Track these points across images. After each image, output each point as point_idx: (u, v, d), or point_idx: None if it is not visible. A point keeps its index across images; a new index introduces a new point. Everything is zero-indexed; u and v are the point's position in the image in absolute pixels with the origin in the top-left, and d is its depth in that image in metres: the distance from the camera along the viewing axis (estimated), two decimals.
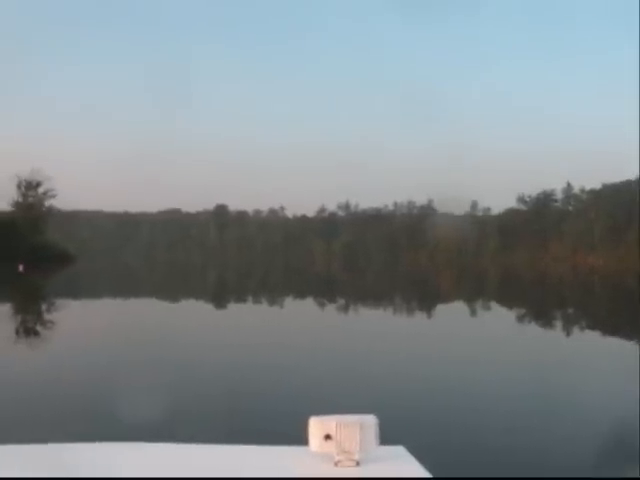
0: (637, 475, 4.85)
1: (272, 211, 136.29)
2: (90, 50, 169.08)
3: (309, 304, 26.62)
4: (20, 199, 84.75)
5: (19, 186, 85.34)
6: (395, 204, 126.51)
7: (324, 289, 39.60)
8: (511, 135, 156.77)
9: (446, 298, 31.46)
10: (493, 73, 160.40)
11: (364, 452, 1.59)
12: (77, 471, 1.57)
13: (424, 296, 33.44)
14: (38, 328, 17.17)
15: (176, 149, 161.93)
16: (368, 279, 53.95)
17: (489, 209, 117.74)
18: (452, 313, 22.64)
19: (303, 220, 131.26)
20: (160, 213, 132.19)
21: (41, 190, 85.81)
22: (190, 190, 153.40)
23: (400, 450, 1.76)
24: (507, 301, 28.88)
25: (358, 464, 1.59)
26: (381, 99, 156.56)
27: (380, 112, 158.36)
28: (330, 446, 1.58)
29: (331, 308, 24.46)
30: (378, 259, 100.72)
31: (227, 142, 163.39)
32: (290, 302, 28.08)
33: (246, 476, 1.58)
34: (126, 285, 44.18)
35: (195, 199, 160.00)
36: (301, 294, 32.93)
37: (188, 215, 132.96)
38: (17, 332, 15.87)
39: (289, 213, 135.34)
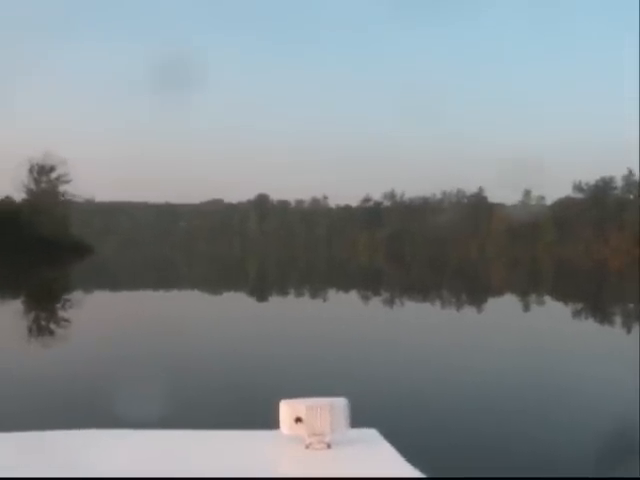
0: (637, 475, 4.87)
1: (314, 201, 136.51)
2: (110, 36, 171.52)
3: (353, 297, 26.69)
4: (32, 186, 77.65)
5: (31, 171, 77.85)
6: (443, 193, 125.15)
7: (368, 281, 39.62)
8: (566, 123, 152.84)
9: (497, 292, 31.07)
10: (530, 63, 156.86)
11: (335, 434, 1.64)
12: (58, 458, 1.65)
13: (474, 289, 33.10)
14: (52, 326, 17.35)
15: (217, 139, 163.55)
16: (414, 271, 53.67)
17: (543, 198, 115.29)
18: (503, 307, 22.37)
19: (347, 210, 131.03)
20: (202, 204, 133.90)
21: (54, 175, 78.10)
22: (232, 180, 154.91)
23: (372, 433, 1.80)
24: (562, 295, 28.35)
25: (329, 446, 1.63)
26: (426, 86, 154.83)
27: (424, 99, 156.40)
28: (301, 429, 1.63)
29: (376, 301, 24.46)
30: (425, 250, 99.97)
31: (268, 132, 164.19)
32: (333, 295, 28.20)
33: (218, 460, 1.62)
34: (167, 277, 45.07)
35: (237, 189, 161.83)
36: (344, 287, 33.03)
37: (230, 206, 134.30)
38: (30, 330, 15.66)
39: (332, 203, 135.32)
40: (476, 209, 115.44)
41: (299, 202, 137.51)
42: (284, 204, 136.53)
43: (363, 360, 10.86)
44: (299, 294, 29.10)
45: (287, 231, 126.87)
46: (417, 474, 1.55)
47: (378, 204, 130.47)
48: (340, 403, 1.67)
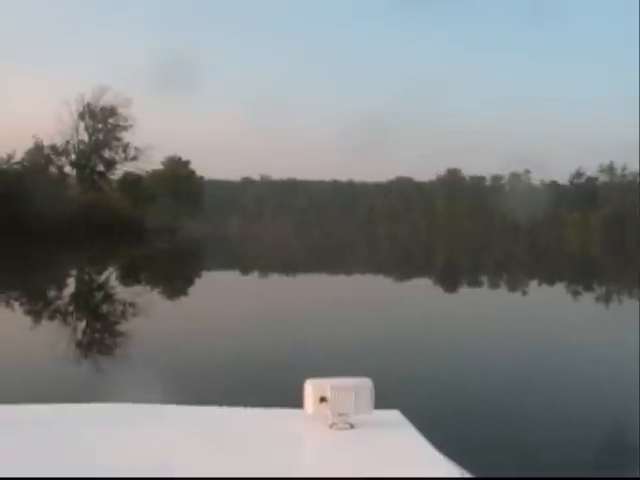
0: (637, 475, 5.09)
1: (514, 176, 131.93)
2: None
3: (559, 291, 25.53)
4: (84, 135, 62.73)
5: (82, 115, 63.08)
6: None
7: (579, 273, 37.62)
8: None
9: None
10: None
11: (359, 415, 1.80)
12: (65, 430, 1.79)
13: None
14: None
15: (405, 113, 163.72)
16: (637, 262, 49.92)
17: None
18: None
19: (553, 187, 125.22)
20: (389, 183, 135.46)
21: (112, 120, 63.41)
22: (422, 157, 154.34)
23: (395, 414, 1.98)
24: None
25: (353, 427, 1.79)
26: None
27: None
28: (325, 409, 1.79)
29: (588, 298, 23.22)
30: None
31: (460, 101, 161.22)
32: (535, 287, 27.18)
33: (239, 437, 1.78)
34: (345, 260, 46.25)
35: (426, 166, 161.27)
36: (549, 278, 31.67)
37: (419, 184, 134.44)
38: None
39: (535, 178, 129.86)
40: None
41: (496, 178, 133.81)
42: (478, 181, 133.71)
43: (573, 373, 10.35)
44: (494, 285, 28.44)
45: (481, 212, 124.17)
46: (440, 456, 1.68)
47: (593, 180, 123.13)
48: (365, 384, 1.82)
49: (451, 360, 10.95)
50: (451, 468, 1.65)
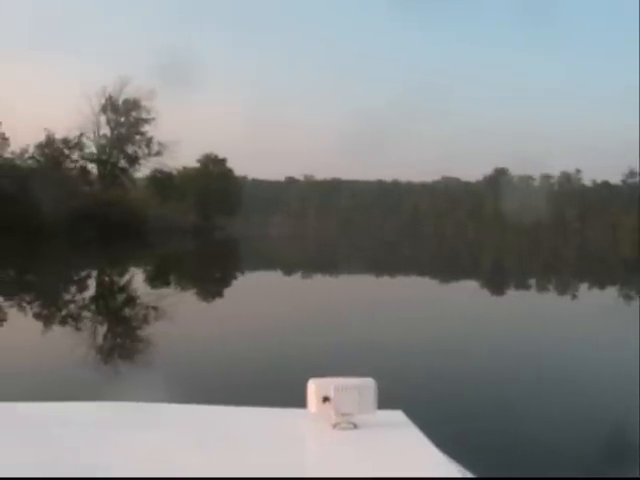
0: (637, 475, 5.16)
1: (564, 175, 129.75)
2: None
3: (610, 295, 24.97)
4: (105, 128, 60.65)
5: (104, 108, 60.68)
6: None
7: (631, 277, 36.75)
8: None
9: None
10: None
11: (362, 415, 1.81)
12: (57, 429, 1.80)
13: None
14: None
15: (450, 110, 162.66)
16: None
17: None
18: None
19: (605, 187, 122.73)
20: (435, 183, 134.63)
21: (135, 114, 61.44)
22: (468, 156, 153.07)
23: (399, 415, 1.98)
24: None
25: (356, 427, 1.80)
26: None
27: None
28: (328, 408, 1.79)
29: None
30: None
31: (503, 99, 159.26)
32: (585, 291, 26.64)
33: (244, 437, 1.79)
34: (388, 261, 46.05)
35: (473, 165, 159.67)
36: (599, 282, 31.01)
37: (466, 184, 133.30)
38: None
39: (586, 178, 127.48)
40: None
41: (545, 177, 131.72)
42: (526, 180, 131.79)
43: (621, 376, 10.10)
44: (542, 288, 27.97)
45: (529, 212, 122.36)
46: (443, 457, 1.70)
47: None
48: (368, 383, 1.82)
49: (494, 363, 10.82)
50: (453, 469, 1.66)
